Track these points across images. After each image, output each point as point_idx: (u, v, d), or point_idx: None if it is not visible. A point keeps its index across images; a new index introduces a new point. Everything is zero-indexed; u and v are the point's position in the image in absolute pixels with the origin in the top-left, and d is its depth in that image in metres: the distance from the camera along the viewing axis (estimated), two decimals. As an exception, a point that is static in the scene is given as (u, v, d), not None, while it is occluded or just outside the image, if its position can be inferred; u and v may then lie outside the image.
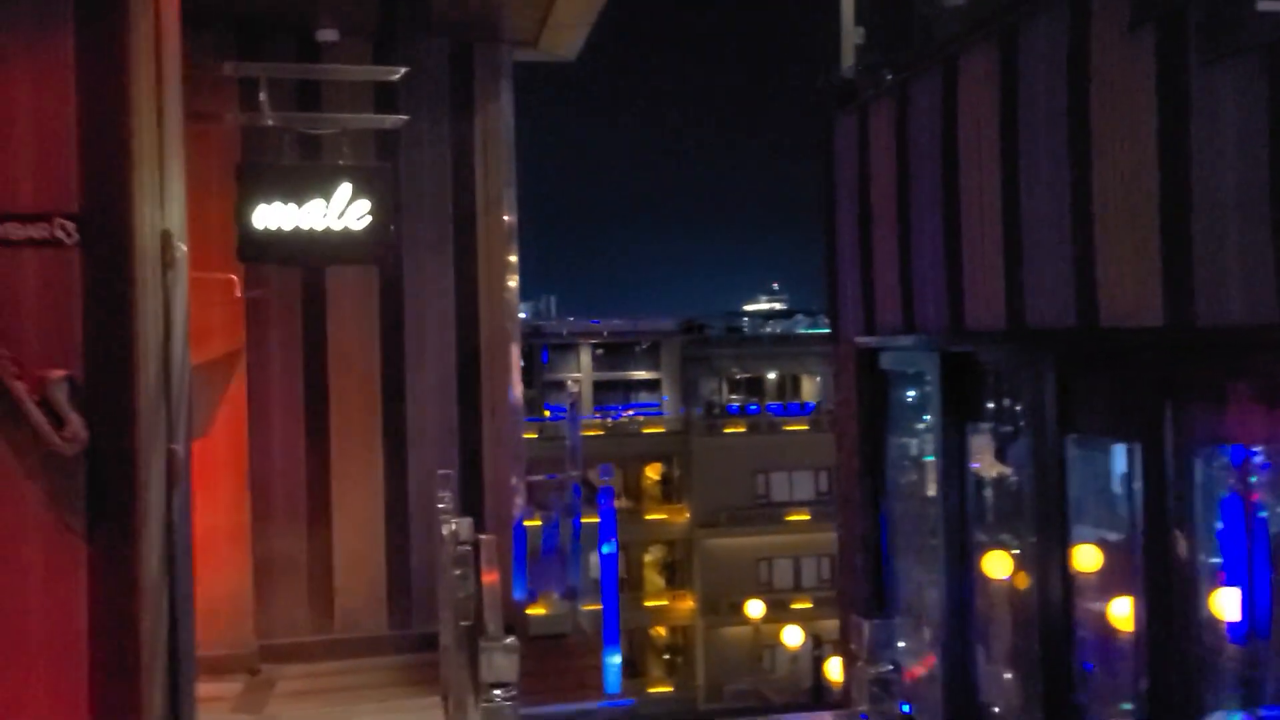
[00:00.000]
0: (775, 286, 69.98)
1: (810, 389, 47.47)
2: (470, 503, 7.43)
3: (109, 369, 3.75)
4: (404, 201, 7.14)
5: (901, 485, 5.87)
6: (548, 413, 40.50)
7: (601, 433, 39.88)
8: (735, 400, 45.78)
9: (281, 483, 7.19)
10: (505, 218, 7.57)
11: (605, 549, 6.07)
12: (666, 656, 40.06)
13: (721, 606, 38.82)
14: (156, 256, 4.10)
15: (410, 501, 7.37)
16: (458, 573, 4.08)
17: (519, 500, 7.43)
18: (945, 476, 5.14)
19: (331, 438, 7.27)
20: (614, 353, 44.49)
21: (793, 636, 34.82)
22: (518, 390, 7.49)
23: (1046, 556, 4.28)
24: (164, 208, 4.24)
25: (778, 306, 60.68)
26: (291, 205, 5.84)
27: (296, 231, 5.86)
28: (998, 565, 4.74)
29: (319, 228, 5.88)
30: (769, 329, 51.65)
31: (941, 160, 4.89)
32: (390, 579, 7.30)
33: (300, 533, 7.20)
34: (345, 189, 5.88)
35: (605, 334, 44.19)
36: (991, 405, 4.88)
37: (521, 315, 7.96)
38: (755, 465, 40.56)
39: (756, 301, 65.40)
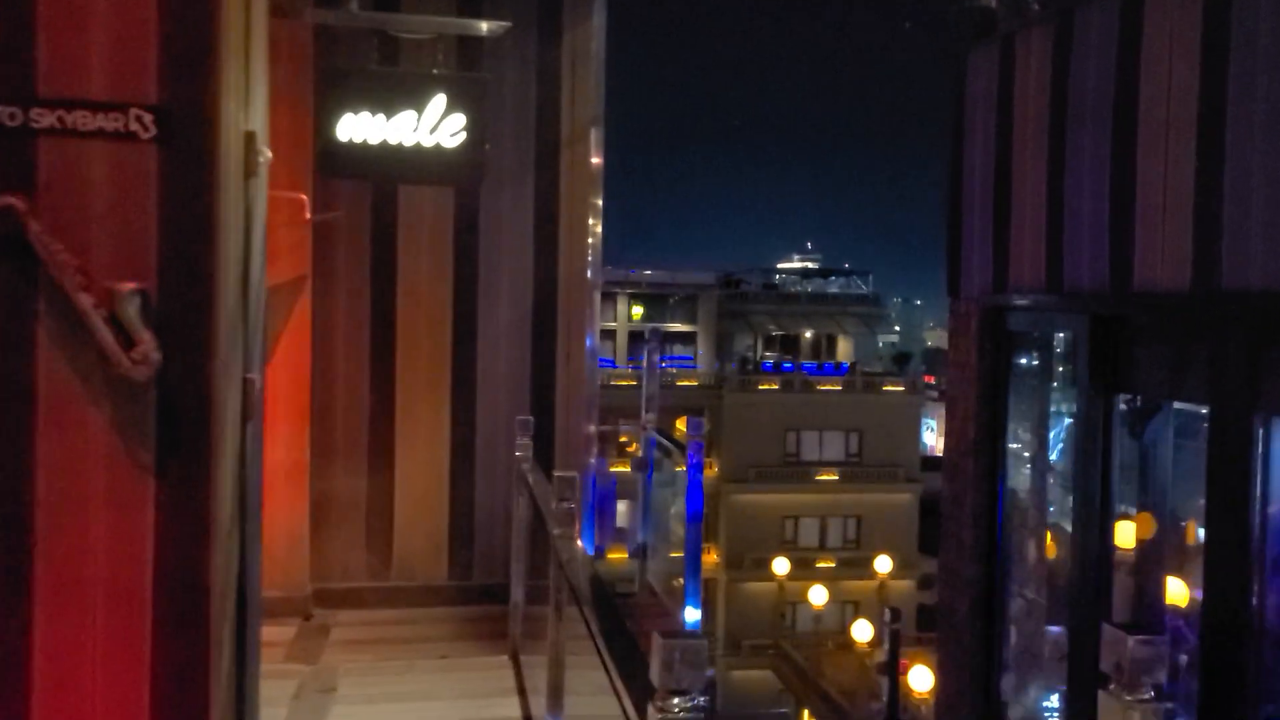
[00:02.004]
0: (809, 246, 69.29)
1: (845, 349, 47.07)
2: (540, 452, 7.00)
3: (186, 284, 3.29)
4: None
5: (1023, 459, 5.37)
6: (588, 360, 40.20)
7: (634, 383, 39.62)
8: (769, 357, 45.47)
9: (343, 419, 6.77)
10: (593, 160, 7.03)
11: (690, 510, 5.59)
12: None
13: (745, 562, 39.02)
14: (240, 161, 3.62)
15: (477, 446, 6.94)
16: (558, 532, 3.63)
17: (593, 450, 6.97)
18: (1085, 452, 4.63)
19: (398, 374, 6.83)
20: (651, 303, 44.16)
21: (818, 596, 34.79)
22: (596, 337, 7.01)
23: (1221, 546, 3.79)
24: (248, 108, 3.76)
25: (811, 265, 60.12)
26: (380, 116, 5.32)
27: (384, 146, 5.34)
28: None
29: (408, 143, 5.36)
30: (805, 287, 51.12)
31: (1115, 98, 4.32)
32: (452, 527, 6.89)
33: (360, 473, 6.79)
34: (439, 101, 5.35)
35: (643, 285, 43.82)
36: (1155, 375, 4.36)
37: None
38: (786, 423, 40.67)
39: (790, 260, 64.86)
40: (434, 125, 5.32)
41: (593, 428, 6.93)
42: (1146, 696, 1.89)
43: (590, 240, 7.02)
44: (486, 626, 6.31)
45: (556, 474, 3.86)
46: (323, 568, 6.65)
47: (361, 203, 6.72)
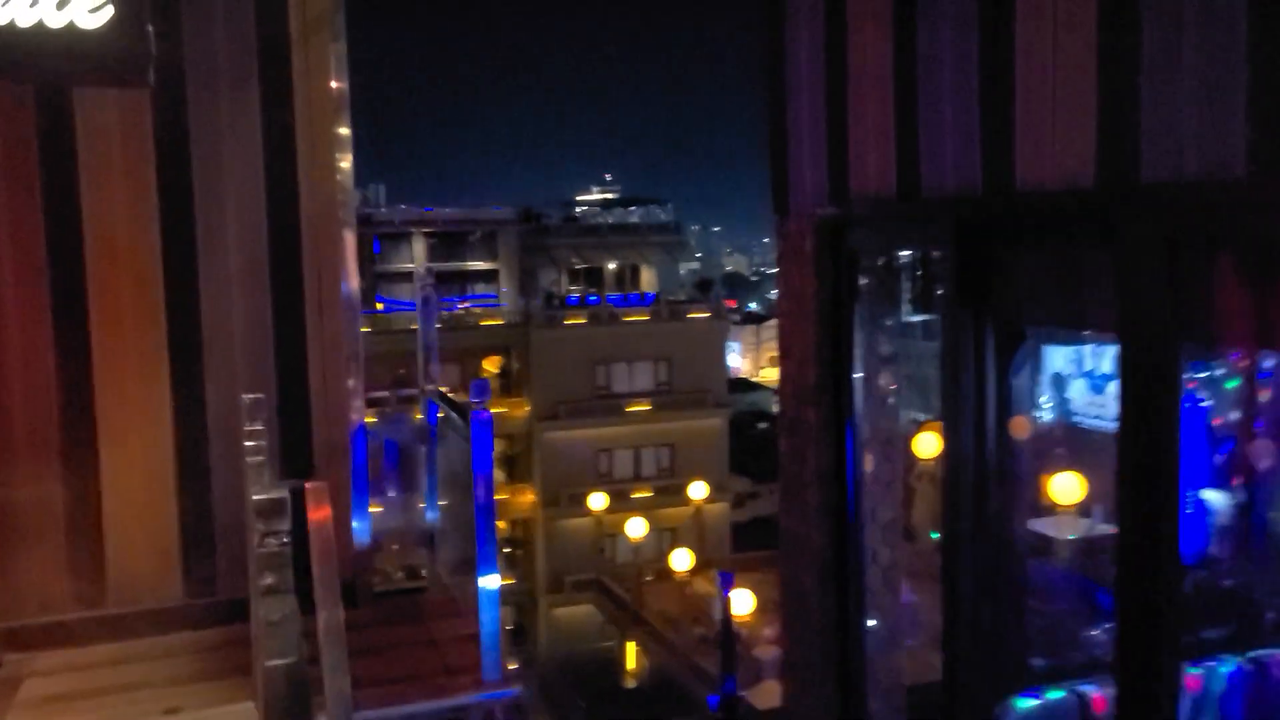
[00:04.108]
0: (608, 177, 68.90)
1: (649, 279, 47.01)
2: (294, 424, 5.68)
3: None
4: (182, 6, 5.13)
5: (877, 405, 4.51)
6: (380, 305, 38.39)
7: (439, 325, 38.21)
8: (574, 291, 44.83)
9: (23, 410, 5.21)
10: (333, 83, 5.63)
11: (485, 494, 4.46)
12: (507, 550, 39.97)
13: (562, 499, 38.92)
14: None
15: (209, 427, 5.52)
16: (263, 584, 2.45)
17: (356, 416, 5.68)
18: (951, 394, 3.78)
19: (93, 345, 5.29)
20: (449, 243, 42.63)
21: (635, 528, 34.84)
22: (353, 282, 5.69)
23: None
24: None
25: (611, 196, 59.83)
26: None
27: None
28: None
29: (23, 21, 3.81)
30: (606, 218, 50.76)
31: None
32: (185, 532, 5.48)
33: (53, 476, 5.26)
34: (63, -42, 3.78)
35: (440, 223, 42.17)
36: (1042, 297, 3.53)
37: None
38: (595, 357, 40.59)
39: (589, 192, 64.46)
40: (62, -4, 3.78)
41: (352, 381, 5.64)
42: None
43: (339, 176, 5.66)
44: (236, 655, 5.01)
45: (259, 496, 2.65)
46: (8, 601, 5.15)
47: (21, 119, 5.11)
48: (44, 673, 5.05)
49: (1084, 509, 7.94)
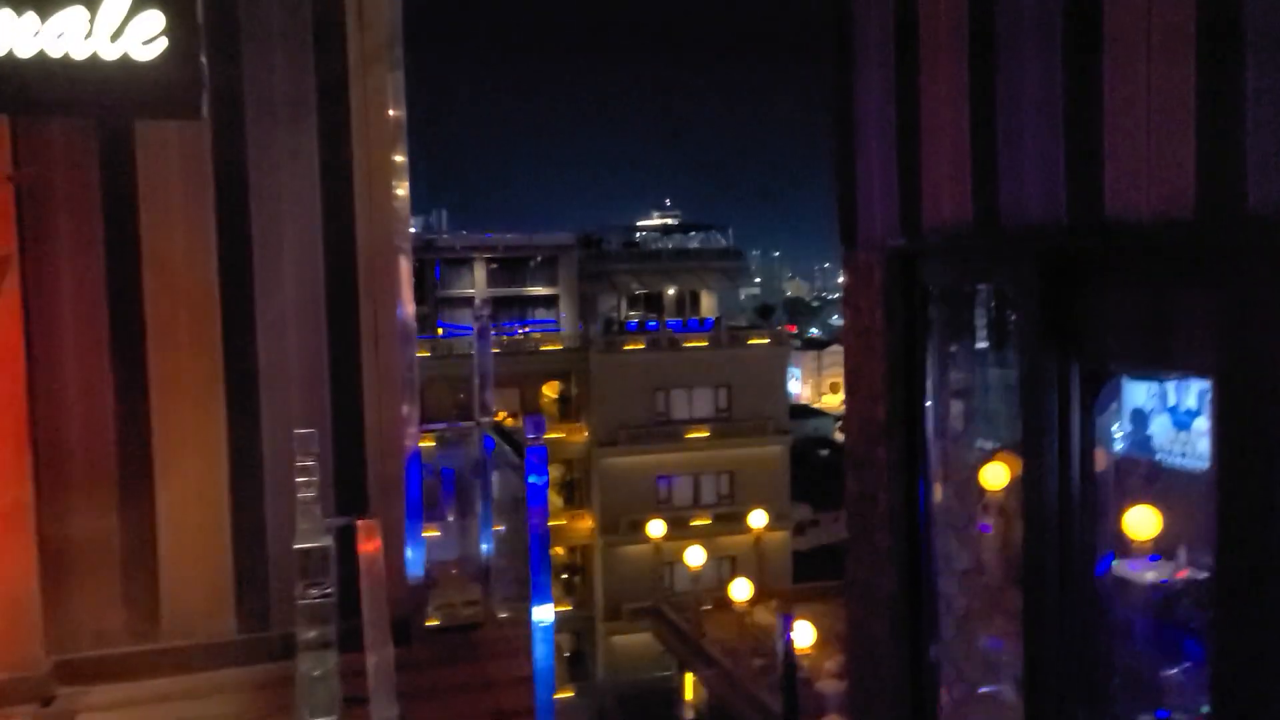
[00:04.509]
0: (667, 203, 69.06)
1: (708, 304, 46.86)
2: (348, 457, 5.60)
3: None
4: (241, 30, 5.11)
5: (950, 443, 4.29)
6: (440, 330, 38.76)
7: (497, 350, 38.58)
8: (634, 316, 44.82)
9: (81, 443, 5.20)
10: (390, 111, 5.59)
11: (540, 532, 4.32)
12: (565, 576, 39.83)
13: (621, 525, 38.77)
14: None
15: (265, 460, 5.47)
16: (306, 662, 2.32)
17: (410, 443, 5.58)
18: (1033, 438, 3.56)
19: (150, 379, 5.27)
20: (509, 268, 42.99)
21: (694, 556, 34.53)
22: (409, 309, 5.61)
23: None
24: None
25: (671, 221, 59.82)
26: (29, 13, 3.69)
27: (41, 60, 3.72)
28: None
29: (77, 54, 3.77)
30: (666, 244, 50.79)
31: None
32: (239, 567, 5.42)
33: (110, 510, 5.24)
34: (119, -10, 3.72)
35: (500, 248, 42.56)
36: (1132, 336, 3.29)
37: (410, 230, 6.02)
38: (655, 383, 40.45)
39: (649, 217, 64.55)
40: (117, 27, 3.73)
41: (406, 408, 5.55)
42: None
43: (395, 204, 5.60)
44: (287, 693, 4.92)
45: (301, 545, 2.53)
46: (64, 634, 5.12)
47: (84, 155, 5.12)
48: (96, 708, 5.01)
49: (1168, 551, 7.57)
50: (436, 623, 5.89)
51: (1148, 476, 8.16)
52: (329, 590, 2.38)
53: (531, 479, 4.48)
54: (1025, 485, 3.60)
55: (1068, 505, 3.55)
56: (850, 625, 4.68)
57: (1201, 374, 3.18)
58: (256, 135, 5.31)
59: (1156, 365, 3.73)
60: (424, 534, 5.94)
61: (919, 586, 4.29)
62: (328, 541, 2.41)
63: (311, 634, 2.35)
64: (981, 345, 4.32)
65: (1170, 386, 7.57)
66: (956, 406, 4.28)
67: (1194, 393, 7.44)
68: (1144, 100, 2.95)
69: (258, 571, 5.43)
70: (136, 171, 5.16)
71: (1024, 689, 3.64)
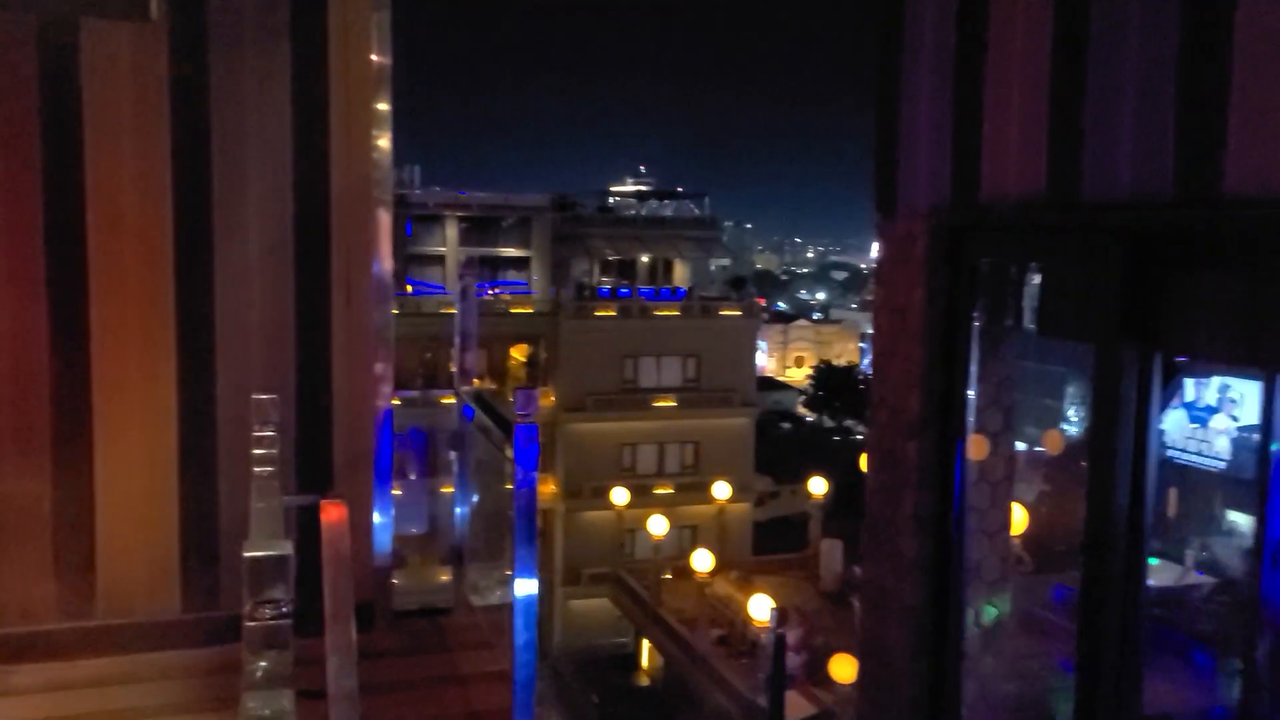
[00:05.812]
0: (642, 169, 68.26)
1: (681, 273, 46.42)
2: (313, 426, 5.08)
3: None
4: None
5: (989, 441, 3.86)
6: (410, 288, 38.01)
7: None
8: (606, 282, 44.33)
9: (8, 397, 4.63)
10: (375, 57, 5.03)
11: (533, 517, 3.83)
12: (524, 540, 39.47)
13: (584, 491, 38.59)
14: None
15: (219, 425, 4.93)
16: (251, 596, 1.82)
17: (382, 402, 5.06)
18: (1104, 440, 3.13)
19: (92, 333, 4.69)
20: (482, 227, 42.29)
21: (657, 525, 34.33)
22: (386, 266, 5.07)
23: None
24: None
25: (645, 187, 59.23)
26: None
27: None
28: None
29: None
30: (641, 210, 50.28)
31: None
32: (186, 540, 4.88)
33: (41, 472, 4.67)
34: None
35: (474, 206, 41.80)
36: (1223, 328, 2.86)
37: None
38: (624, 350, 40.32)
39: (623, 183, 63.94)
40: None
41: (380, 367, 5.03)
42: None
43: (376, 154, 5.04)
44: (237, 680, 4.42)
45: (251, 554, 2.03)
46: (-10, 609, 4.59)
47: (20, 65, 4.50)
48: (22, 690, 4.48)
49: (1175, 553, 7.23)
50: (403, 608, 5.41)
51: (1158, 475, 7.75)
52: (284, 609, 1.91)
53: (520, 462, 3.98)
54: (1093, 483, 3.18)
55: (1139, 506, 3.16)
56: (863, 632, 4.26)
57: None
58: (220, 54, 4.71)
59: (1250, 360, 3.30)
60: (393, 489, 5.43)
61: (947, 599, 3.87)
62: (286, 550, 1.93)
63: (261, 665, 1.86)
64: (1030, 328, 3.88)
65: (1189, 382, 7.20)
66: (1000, 403, 3.84)
67: (1214, 389, 7.07)
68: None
69: (206, 544, 4.90)
70: (80, 88, 4.55)
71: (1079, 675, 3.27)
